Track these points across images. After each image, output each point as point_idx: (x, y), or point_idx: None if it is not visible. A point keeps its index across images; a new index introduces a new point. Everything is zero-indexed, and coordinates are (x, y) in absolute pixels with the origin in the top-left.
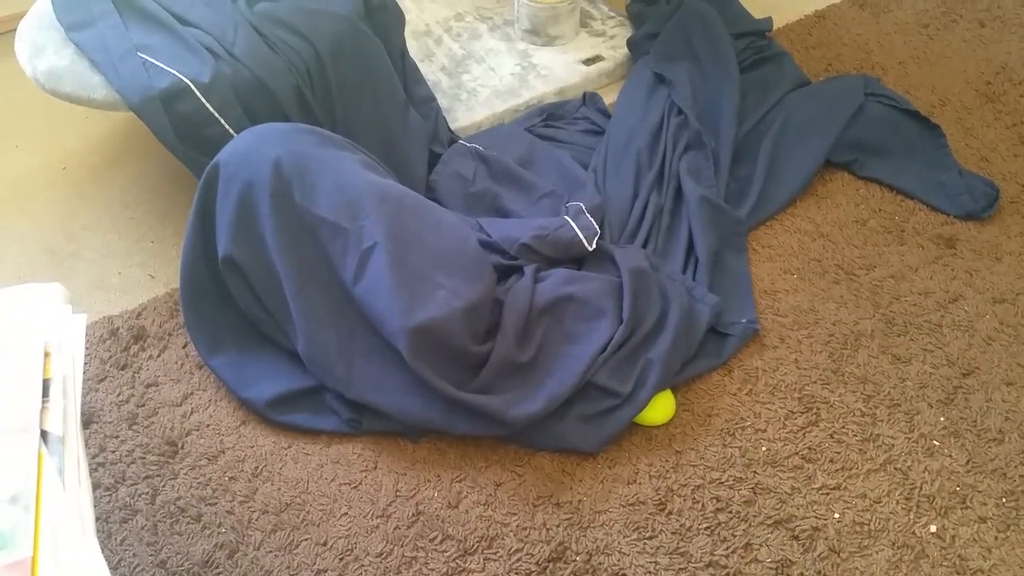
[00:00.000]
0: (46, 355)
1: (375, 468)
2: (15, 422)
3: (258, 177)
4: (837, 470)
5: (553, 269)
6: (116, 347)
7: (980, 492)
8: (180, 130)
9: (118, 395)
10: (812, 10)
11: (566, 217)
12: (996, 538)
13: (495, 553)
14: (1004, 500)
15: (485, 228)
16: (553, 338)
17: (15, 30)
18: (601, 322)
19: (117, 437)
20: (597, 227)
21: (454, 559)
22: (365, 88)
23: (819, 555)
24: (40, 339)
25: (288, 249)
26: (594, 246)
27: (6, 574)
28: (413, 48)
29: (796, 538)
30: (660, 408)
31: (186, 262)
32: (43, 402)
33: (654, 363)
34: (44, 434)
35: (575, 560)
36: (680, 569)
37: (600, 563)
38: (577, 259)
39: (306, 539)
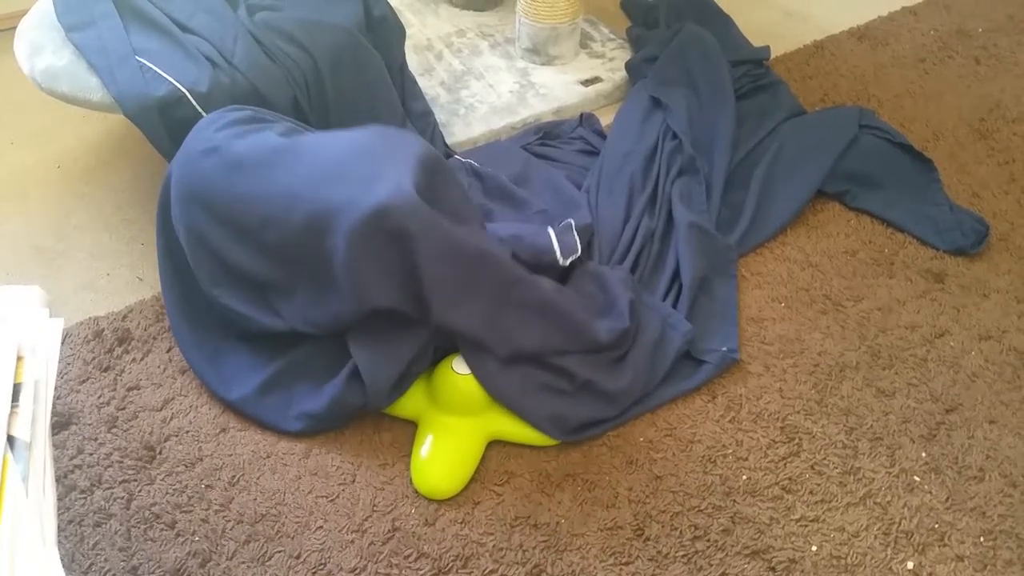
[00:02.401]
0: (19, 359)
1: (353, 482)
2: None
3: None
4: (816, 502)
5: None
6: (100, 349)
7: (958, 530)
8: (175, 137)
9: (99, 397)
10: (811, 40)
11: (548, 227)
12: None
13: (470, 573)
14: (982, 539)
15: None
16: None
17: (15, 28)
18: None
19: (96, 439)
20: (579, 247)
21: None
22: (362, 101)
23: None
24: (13, 342)
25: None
26: (567, 263)
27: None
28: (414, 62)
29: (773, 569)
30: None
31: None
32: (12, 406)
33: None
34: (11, 439)
35: None
36: None
37: None
38: (562, 276)
39: (280, 551)
